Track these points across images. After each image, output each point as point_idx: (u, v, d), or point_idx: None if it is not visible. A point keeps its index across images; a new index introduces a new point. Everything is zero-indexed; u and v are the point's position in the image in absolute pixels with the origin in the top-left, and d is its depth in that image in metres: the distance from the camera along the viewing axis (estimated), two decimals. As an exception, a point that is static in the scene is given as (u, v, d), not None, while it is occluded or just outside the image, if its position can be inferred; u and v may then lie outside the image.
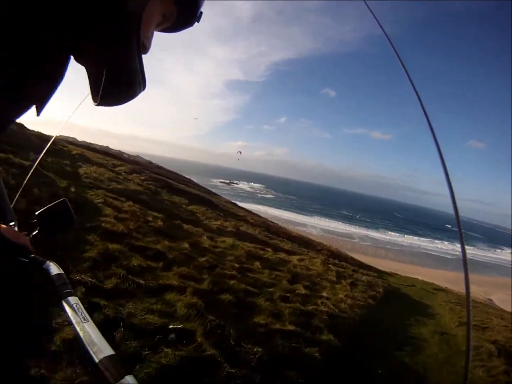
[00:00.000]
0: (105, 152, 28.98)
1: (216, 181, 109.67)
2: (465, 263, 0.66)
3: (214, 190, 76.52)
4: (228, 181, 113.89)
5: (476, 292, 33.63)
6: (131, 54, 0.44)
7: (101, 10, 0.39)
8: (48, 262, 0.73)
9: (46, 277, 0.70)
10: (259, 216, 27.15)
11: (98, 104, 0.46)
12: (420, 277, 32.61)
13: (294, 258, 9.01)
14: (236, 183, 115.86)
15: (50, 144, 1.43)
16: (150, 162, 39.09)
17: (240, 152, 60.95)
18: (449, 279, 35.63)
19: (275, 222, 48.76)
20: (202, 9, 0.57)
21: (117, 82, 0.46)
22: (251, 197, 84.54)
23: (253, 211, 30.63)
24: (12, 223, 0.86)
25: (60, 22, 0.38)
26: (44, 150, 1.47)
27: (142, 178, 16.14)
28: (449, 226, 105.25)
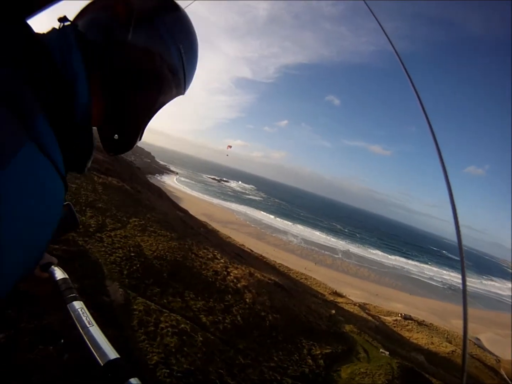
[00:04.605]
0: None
1: (206, 177, 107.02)
2: (464, 281, 0.74)
3: (199, 185, 72.82)
4: (218, 179, 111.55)
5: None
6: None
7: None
8: (53, 266, 0.74)
9: (51, 282, 0.71)
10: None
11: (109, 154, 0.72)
12: (402, 305, 29.33)
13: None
14: (226, 181, 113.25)
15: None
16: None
17: (230, 147, 57.22)
18: (435, 310, 32.46)
19: (254, 226, 45.04)
20: None
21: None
22: (237, 196, 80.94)
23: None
24: None
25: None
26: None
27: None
28: (445, 252, 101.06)
